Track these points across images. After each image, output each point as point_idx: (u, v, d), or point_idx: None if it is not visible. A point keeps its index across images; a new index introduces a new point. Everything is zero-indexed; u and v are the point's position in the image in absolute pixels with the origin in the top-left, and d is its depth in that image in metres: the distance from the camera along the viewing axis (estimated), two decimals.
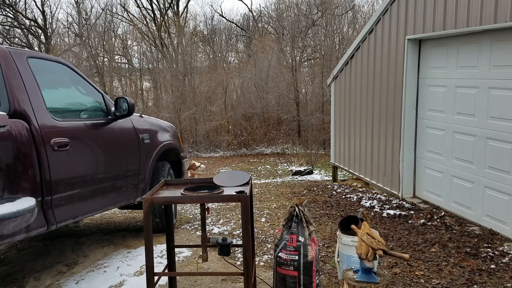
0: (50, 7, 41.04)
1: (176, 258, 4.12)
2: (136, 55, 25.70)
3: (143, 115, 4.90)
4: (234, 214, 5.95)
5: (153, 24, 24.96)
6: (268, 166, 13.91)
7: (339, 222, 3.48)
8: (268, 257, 4.17)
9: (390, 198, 6.34)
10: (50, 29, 24.53)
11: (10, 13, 23.67)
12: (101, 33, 23.33)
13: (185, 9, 26.09)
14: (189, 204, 6.67)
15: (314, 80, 19.24)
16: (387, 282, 2.56)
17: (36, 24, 24.22)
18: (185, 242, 4.72)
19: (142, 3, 25.60)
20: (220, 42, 27.81)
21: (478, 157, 4.93)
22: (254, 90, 19.33)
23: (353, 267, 2.76)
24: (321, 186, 8.02)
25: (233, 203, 6.51)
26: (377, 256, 2.54)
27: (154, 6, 25.21)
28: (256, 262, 4.02)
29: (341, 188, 7.51)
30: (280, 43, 21.88)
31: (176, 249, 4.33)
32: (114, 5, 34.92)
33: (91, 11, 30.06)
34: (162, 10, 25.26)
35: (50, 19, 24.75)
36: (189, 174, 10.07)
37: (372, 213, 5.68)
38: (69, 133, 3.59)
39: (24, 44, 23.61)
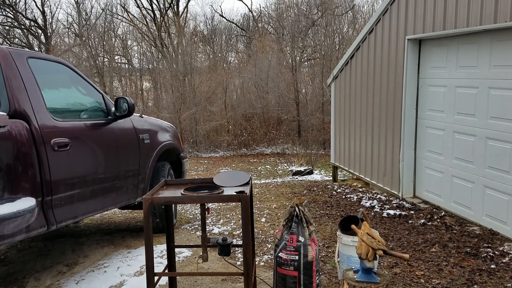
0: (50, 7, 41.06)
1: (176, 258, 4.12)
2: (136, 55, 25.72)
3: (143, 115, 4.90)
4: (234, 214, 5.95)
5: (153, 24, 24.96)
6: (268, 166, 13.91)
7: (339, 222, 3.48)
8: (268, 257, 4.17)
9: (390, 198, 6.33)
10: (50, 29, 24.52)
11: (10, 13, 23.66)
12: (101, 33, 23.33)
13: (185, 9, 26.10)
14: (189, 204, 6.67)
15: (314, 80, 19.24)
16: (387, 282, 2.56)
17: (36, 25, 24.21)
18: (185, 242, 4.72)
19: (142, 3, 25.62)
20: (220, 42, 27.82)
21: (478, 157, 4.93)
22: (254, 90, 19.33)
23: (353, 267, 2.76)
24: (321, 186, 8.02)
25: (233, 203, 6.51)
26: (377, 256, 2.54)
27: (154, 6, 25.22)
28: (256, 262, 4.02)
29: (341, 188, 7.51)
30: (280, 43, 21.88)
31: (176, 249, 4.34)
32: (114, 5, 34.91)
33: (91, 11, 30.14)
34: (162, 10, 25.25)
35: (50, 19, 24.76)
36: None
37: (372, 213, 5.68)
38: (69, 133, 3.59)
39: (24, 45, 23.61)
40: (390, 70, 6.32)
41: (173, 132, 5.35)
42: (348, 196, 6.80)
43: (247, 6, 45.93)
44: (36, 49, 23.19)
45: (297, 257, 2.96)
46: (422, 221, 5.16)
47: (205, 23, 28.87)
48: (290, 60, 19.63)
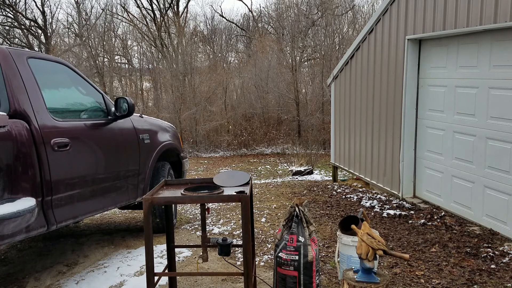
0: (50, 7, 41.10)
1: (176, 258, 4.12)
2: (136, 55, 25.72)
3: (143, 115, 4.90)
4: (234, 214, 5.95)
5: (153, 24, 24.96)
6: (268, 166, 13.91)
7: (339, 222, 3.48)
8: (268, 257, 4.17)
9: (390, 198, 6.33)
10: (50, 30, 24.52)
11: (10, 13, 23.66)
12: (101, 33, 23.33)
13: (185, 9, 26.12)
14: (189, 204, 6.67)
15: (314, 80, 19.24)
16: (387, 282, 2.56)
17: (36, 25, 24.21)
18: (185, 242, 4.72)
19: (142, 3, 25.63)
20: (220, 42, 27.82)
21: (478, 157, 4.93)
22: (254, 90, 19.33)
23: (353, 267, 2.76)
24: (321, 186, 8.02)
25: (233, 203, 6.51)
26: (377, 256, 2.54)
27: (154, 6, 25.23)
28: (256, 262, 4.02)
29: (341, 188, 7.51)
30: (280, 43, 21.88)
31: (176, 249, 4.34)
32: (114, 5, 34.94)
33: (91, 12, 30.18)
34: (162, 10, 25.26)
35: (50, 19, 24.77)
36: None
37: (372, 213, 5.68)
38: (69, 133, 3.59)
39: (24, 45, 23.60)
40: (390, 70, 6.32)
41: (173, 132, 5.35)
42: (348, 196, 6.80)
43: (247, 6, 45.99)
44: (36, 49, 23.19)
45: (297, 257, 2.96)
46: (422, 221, 5.16)
47: (205, 23, 28.90)
48: (290, 60, 19.63)
